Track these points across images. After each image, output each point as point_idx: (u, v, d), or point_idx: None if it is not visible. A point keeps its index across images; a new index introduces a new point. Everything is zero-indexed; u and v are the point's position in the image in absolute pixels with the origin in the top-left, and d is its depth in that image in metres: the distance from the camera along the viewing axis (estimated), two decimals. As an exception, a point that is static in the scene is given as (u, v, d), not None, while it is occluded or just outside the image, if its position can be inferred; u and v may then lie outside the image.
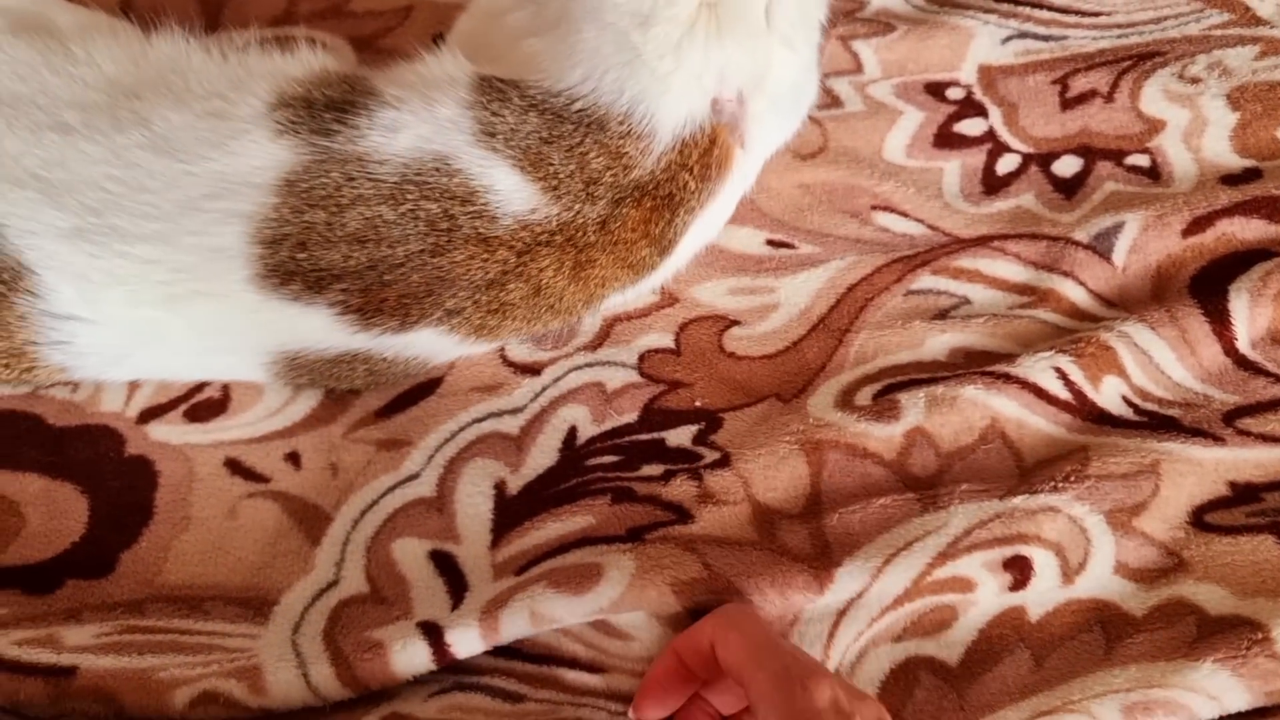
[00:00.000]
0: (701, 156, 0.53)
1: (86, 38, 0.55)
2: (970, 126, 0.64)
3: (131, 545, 0.50)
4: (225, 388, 0.55)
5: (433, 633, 0.45)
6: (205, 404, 0.54)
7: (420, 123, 0.50)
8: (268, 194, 0.49)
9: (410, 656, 0.45)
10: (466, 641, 0.45)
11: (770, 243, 0.60)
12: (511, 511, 0.51)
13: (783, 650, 0.44)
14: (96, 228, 0.49)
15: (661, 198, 0.53)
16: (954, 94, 0.66)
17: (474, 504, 0.51)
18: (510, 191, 0.50)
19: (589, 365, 0.56)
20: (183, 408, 0.54)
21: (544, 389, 0.55)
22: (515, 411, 0.54)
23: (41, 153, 0.50)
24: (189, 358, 0.52)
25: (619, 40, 0.51)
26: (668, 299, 0.58)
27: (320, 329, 0.51)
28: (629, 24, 0.51)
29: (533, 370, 0.56)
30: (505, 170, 0.50)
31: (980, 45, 0.67)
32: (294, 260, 0.49)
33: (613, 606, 0.46)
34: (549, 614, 0.46)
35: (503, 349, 0.56)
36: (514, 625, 0.45)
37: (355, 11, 0.67)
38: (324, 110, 0.51)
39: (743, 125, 0.53)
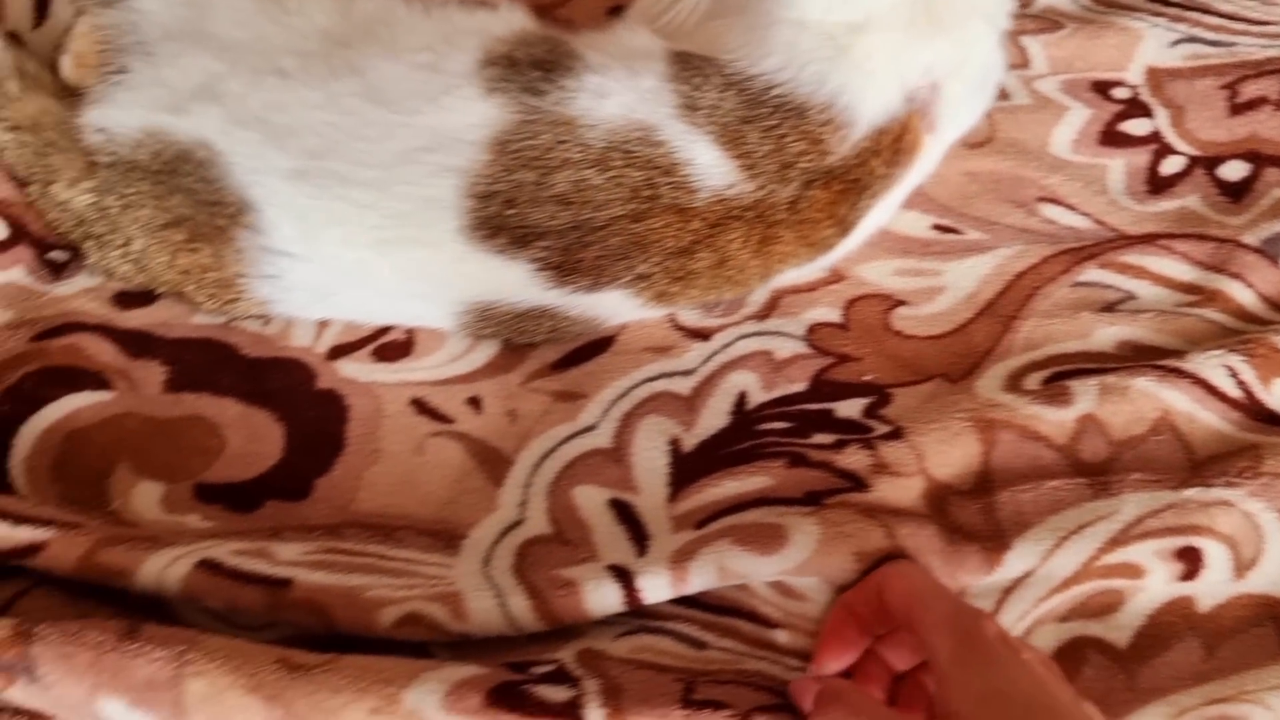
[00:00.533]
0: (893, 143, 0.54)
1: (297, -10, 0.57)
2: (1136, 126, 0.65)
3: (326, 473, 0.52)
4: (409, 332, 0.57)
5: (623, 576, 0.47)
6: (391, 345, 0.56)
7: (625, 91, 0.52)
8: (481, 151, 0.51)
9: (602, 597, 0.46)
10: (656, 588, 0.47)
11: (937, 227, 0.61)
12: (688, 467, 0.52)
13: (949, 593, 0.46)
14: (317, 170, 0.51)
15: (850, 181, 0.54)
16: (1120, 93, 0.66)
17: (650, 457, 0.53)
18: (710, 166, 0.52)
19: (757, 334, 0.57)
20: (370, 347, 0.56)
21: (713, 354, 0.57)
22: (686, 373, 0.56)
23: (263, 95, 0.52)
24: (388, 301, 0.55)
25: (822, 40, 0.52)
26: (834, 275, 0.59)
27: (518, 283, 0.53)
28: (839, 30, 0.52)
29: (702, 335, 0.57)
30: (706, 145, 0.52)
31: (1148, 47, 0.67)
32: (502, 216, 0.51)
33: (798, 569, 0.47)
34: (736, 570, 0.47)
35: (673, 313, 0.58)
36: (702, 576, 0.47)
37: (534, -21, 0.69)
38: (529, 68, 0.53)
39: (934, 110, 0.54)
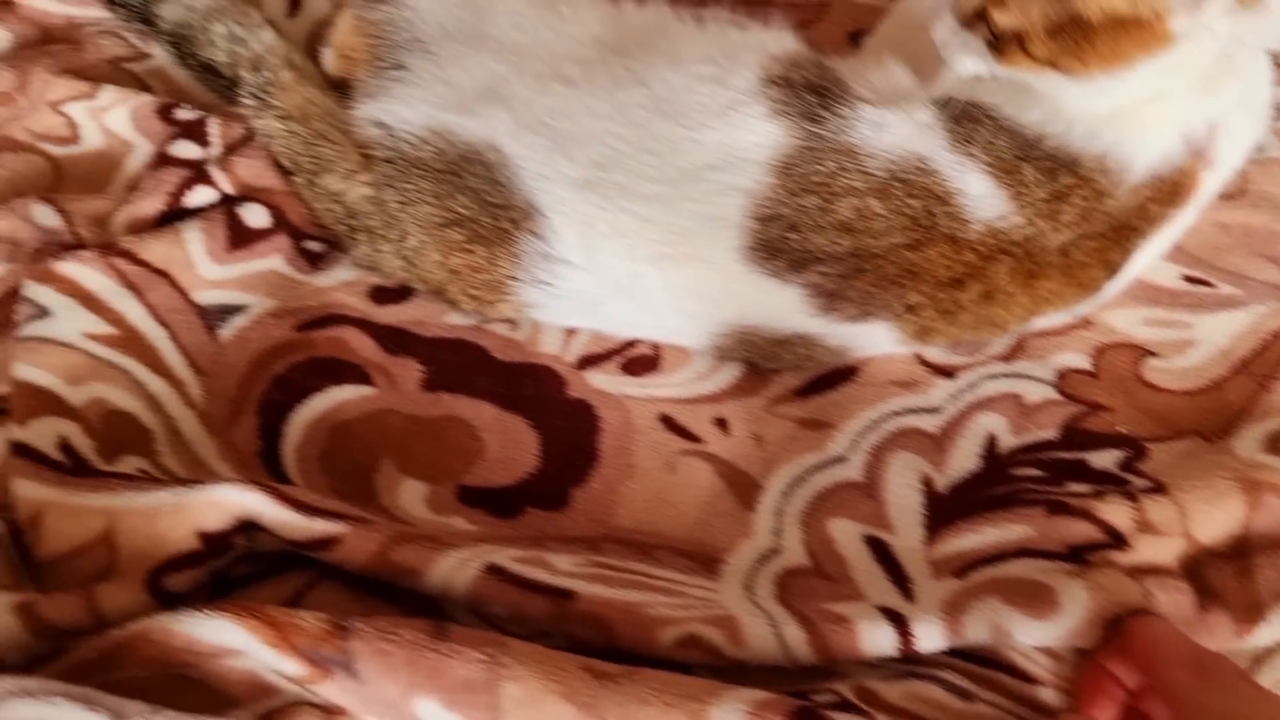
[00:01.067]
0: (1172, 187, 0.53)
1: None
2: (1393, 188, 0.64)
3: (582, 484, 0.52)
4: (656, 347, 0.57)
5: (897, 620, 0.46)
6: (639, 359, 0.56)
7: (901, 123, 0.52)
8: (767, 173, 0.51)
9: (877, 638, 0.46)
10: (930, 636, 0.46)
11: (1187, 278, 0.60)
12: (944, 509, 0.52)
13: (1191, 642, 0.45)
14: (604, 181, 0.52)
15: (1123, 225, 0.53)
16: (1374, 151, 0.65)
17: (904, 495, 0.52)
18: (982, 197, 0.52)
19: (1005, 376, 0.57)
20: (618, 360, 0.56)
21: (960, 393, 0.56)
22: (933, 411, 0.55)
23: (549, 101, 0.53)
24: (653, 316, 0.55)
25: (1100, 106, 0.51)
26: (1082, 321, 0.58)
27: (786, 307, 0.53)
28: (1126, 99, 0.51)
29: (947, 373, 0.57)
30: (979, 177, 0.51)
31: (1404, 107, 0.66)
32: (784, 239, 0.51)
33: (1069, 637, 0.47)
34: (1010, 630, 0.46)
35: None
36: (976, 631, 0.46)
37: (776, 1, 0.68)
38: (805, 92, 0.52)
39: (1213, 149, 0.53)
